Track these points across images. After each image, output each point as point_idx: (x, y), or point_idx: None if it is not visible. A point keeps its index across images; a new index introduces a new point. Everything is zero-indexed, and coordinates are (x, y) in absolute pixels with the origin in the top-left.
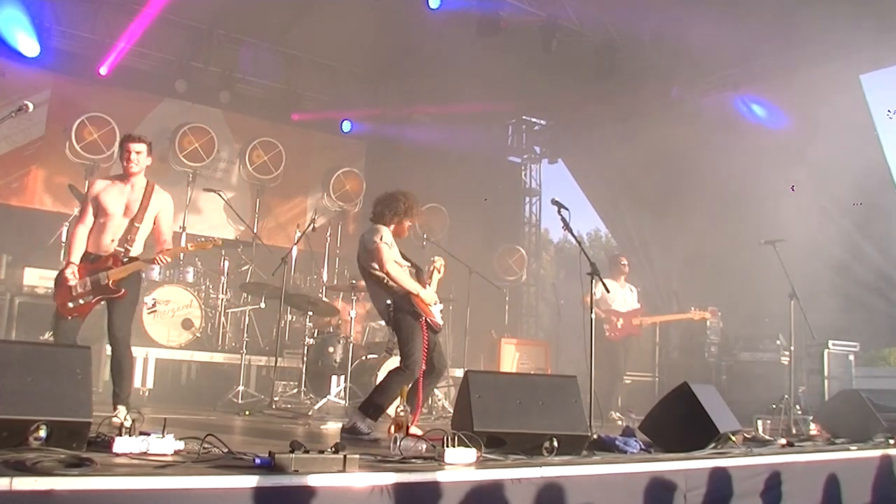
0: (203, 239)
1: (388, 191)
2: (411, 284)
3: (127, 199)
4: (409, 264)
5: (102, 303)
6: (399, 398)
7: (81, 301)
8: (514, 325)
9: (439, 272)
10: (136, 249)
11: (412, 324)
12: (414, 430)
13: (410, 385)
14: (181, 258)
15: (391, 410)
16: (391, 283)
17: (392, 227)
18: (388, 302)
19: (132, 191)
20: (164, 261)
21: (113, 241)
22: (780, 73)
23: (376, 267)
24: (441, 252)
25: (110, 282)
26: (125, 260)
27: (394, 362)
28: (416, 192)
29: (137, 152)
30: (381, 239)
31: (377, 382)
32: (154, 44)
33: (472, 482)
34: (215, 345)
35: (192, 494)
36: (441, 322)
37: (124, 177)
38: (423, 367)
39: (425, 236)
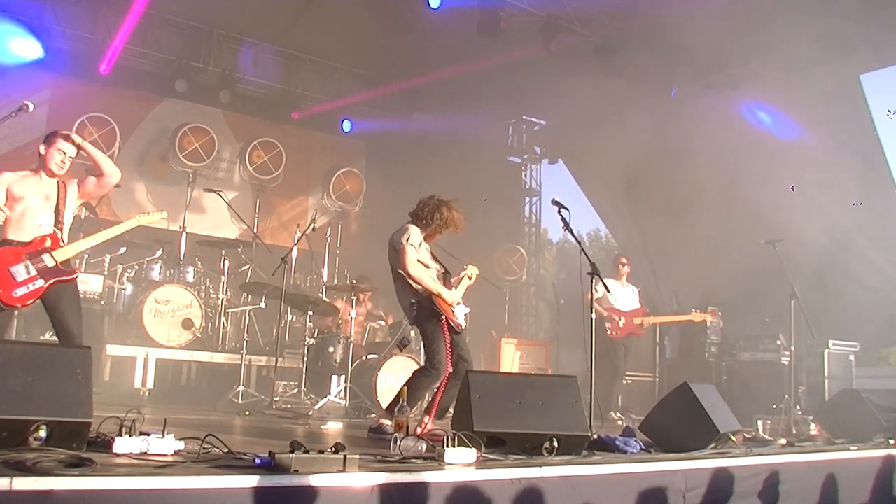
0: (151, 213)
1: (437, 197)
2: (433, 285)
3: (45, 190)
4: (438, 266)
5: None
6: (399, 398)
7: (31, 287)
8: (514, 325)
9: (470, 279)
10: (63, 235)
11: (434, 324)
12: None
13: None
14: (181, 258)
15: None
16: (415, 283)
17: (425, 231)
18: (413, 301)
19: (49, 182)
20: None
21: (41, 225)
22: (780, 72)
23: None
24: (440, 252)
25: (58, 263)
26: (63, 241)
27: (395, 363)
28: (460, 204)
29: (71, 158)
30: (407, 240)
31: (404, 384)
32: (154, 44)
33: (472, 482)
34: (215, 345)
35: (192, 494)
36: (463, 324)
37: (39, 170)
38: (449, 369)
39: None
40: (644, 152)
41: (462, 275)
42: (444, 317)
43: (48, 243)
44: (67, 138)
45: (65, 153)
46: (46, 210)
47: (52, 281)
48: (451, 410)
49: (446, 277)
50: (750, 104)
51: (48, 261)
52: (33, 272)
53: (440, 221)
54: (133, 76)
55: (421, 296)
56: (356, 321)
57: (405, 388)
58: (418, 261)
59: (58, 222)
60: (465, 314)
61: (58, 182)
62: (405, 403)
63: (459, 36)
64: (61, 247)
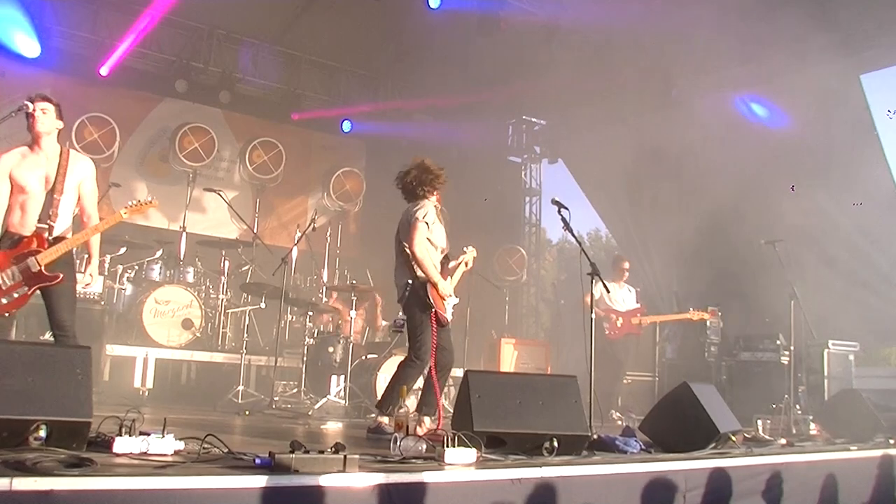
0: (136, 203)
1: (413, 166)
2: (432, 272)
3: (44, 171)
4: (445, 247)
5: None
6: (398, 397)
7: (15, 294)
8: (514, 325)
9: (466, 265)
10: (60, 225)
11: (421, 313)
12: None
13: (426, 386)
14: (181, 258)
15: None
16: (416, 264)
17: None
18: (408, 281)
19: (47, 160)
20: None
21: (41, 218)
22: (780, 72)
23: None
24: None
25: (42, 268)
26: (50, 239)
27: (395, 362)
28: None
29: (43, 110)
30: (423, 216)
31: (391, 378)
32: (154, 44)
33: (472, 482)
34: (215, 345)
35: (192, 495)
36: (449, 318)
37: (33, 143)
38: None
39: None
40: (644, 152)
41: (460, 259)
42: (433, 308)
43: (34, 245)
44: (35, 97)
45: (44, 111)
46: (42, 198)
47: (35, 287)
48: (450, 409)
49: (445, 263)
50: (744, 96)
51: (32, 265)
52: (18, 278)
53: (433, 180)
54: (133, 76)
55: (417, 279)
56: (356, 321)
57: (397, 384)
58: (427, 240)
59: (49, 212)
60: (454, 305)
61: (60, 156)
62: (403, 402)
63: (459, 36)
64: (46, 248)
